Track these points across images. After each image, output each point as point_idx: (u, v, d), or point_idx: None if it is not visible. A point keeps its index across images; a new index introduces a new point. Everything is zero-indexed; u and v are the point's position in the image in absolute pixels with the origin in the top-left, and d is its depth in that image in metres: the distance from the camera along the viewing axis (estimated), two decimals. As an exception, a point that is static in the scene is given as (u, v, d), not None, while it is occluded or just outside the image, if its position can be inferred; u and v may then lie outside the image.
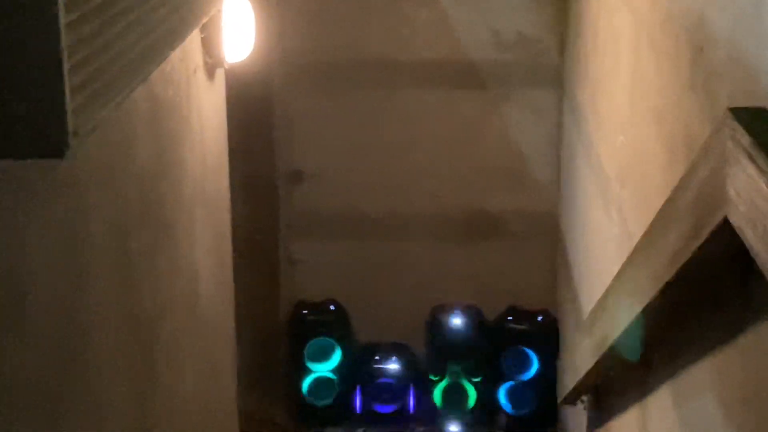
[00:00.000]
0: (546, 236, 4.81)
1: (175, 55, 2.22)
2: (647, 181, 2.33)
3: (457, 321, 4.73)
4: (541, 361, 4.60)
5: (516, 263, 4.88)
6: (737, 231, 1.25)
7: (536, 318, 4.70)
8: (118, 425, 1.85)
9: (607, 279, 2.39)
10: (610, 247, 2.91)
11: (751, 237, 1.18)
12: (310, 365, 4.75)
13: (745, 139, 1.21)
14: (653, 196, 2.17)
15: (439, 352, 4.75)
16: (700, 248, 1.45)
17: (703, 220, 1.41)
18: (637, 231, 2.22)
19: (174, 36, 1.82)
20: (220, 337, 2.93)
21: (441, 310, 4.78)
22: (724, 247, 1.41)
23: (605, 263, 2.95)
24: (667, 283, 1.68)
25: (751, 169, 1.18)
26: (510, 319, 4.72)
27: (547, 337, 4.63)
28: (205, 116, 2.64)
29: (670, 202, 1.65)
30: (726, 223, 1.30)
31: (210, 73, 2.69)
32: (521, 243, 4.87)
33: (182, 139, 2.39)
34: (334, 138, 4.77)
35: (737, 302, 1.53)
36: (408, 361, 4.84)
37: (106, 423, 1.76)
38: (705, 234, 1.40)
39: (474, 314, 4.77)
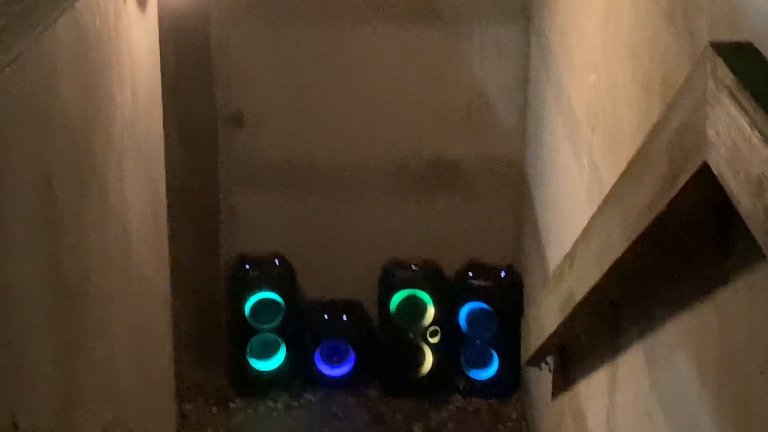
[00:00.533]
0: (510, 186, 4.83)
1: (103, -19, 2.19)
2: (620, 125, 2.34)
3: (413, 277, 4.74)
4: (504, 320, 4.63)
5: (478, 215, 4.90)
6: (717, 177, 1.26)
7: (499, 274, 4.72)
8: (41, 386, 1.84)
9: (576, 231, 2.41)
10: (579, 196, 2.93)
11: (732, 183, 1.19)
12: (253, 325, 4.75)
13: (728, 77, 1.22)
14: (627, 140, 2.18)
15: (393, 310, 4.76)
16: (676, 196, 1.46)
17: (680, 165, 1.42)
18: (609, 179, 2.23)
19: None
20: (155, 294, 2.92)
21: (395, 266, 4.79)
22: (702, 194, 1.42)
23: (574, 214, 2.97)
24: (640, 235, 1.69)
25: (734, 109, 1.19)
26: (470, 275, 4.74)
27: (511, 294, 4.66)
28: (136, 51, 2.61)
29: (644, 146, 1.66)
30: (705, 168, 1.31)
31: (141, 3, 2.65)
32: (483, 194, 4.88)
33: (110, 76, 2.36)
34: (280, 78, 4.73)
35: (715, 256, 1.54)
36: (360, 321, 4.86)
37: (27, 384, 1.75)
38: (682, 181, 1.41)
39: (431, 270, 4.79)
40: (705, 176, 1.32)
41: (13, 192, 1.67)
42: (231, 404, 4.67)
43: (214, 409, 4.62)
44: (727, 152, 1.22)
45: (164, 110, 2.99)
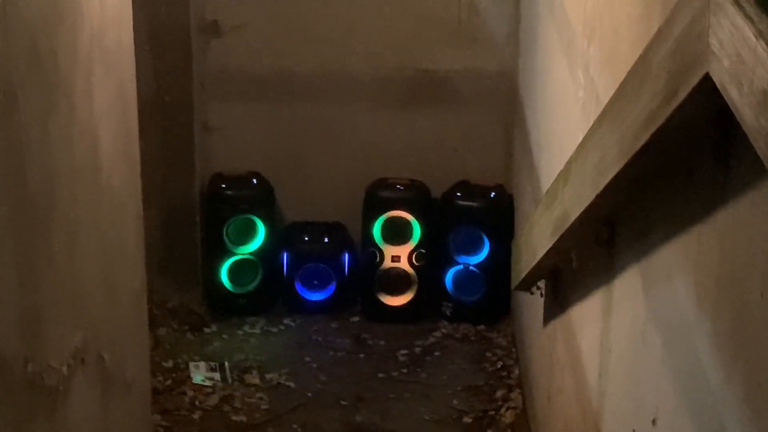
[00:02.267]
0: (501, 101, 4.82)
1: None
2: (618, 36, 2.33)
3: (398, 197, 4.75)
4: (494, 242, 4.66)
5: (467, 132, 4.90)
6: (720, 89, 1.25)
7: (489, 194, 4.74)
8: (5, 308, 1.85)
9: (570, 149, 2.41)
10: (574, 112, 2.92)
11: (735, 96, 1.19)
12: (230, 247, 4.77)
13: (732, -17, 1.21)
14: (625, 53, 2.17)
15: (378, 232, 4.78)
16: (676, 110, 1.46)
17: (681, 77, 1.42)
18: (606, 94, 2.23)
19: None
20: (126, 213, 2.92)
21: (380, 186, 4.80)
22: (704, 108, 1.42)
23: (569, 131, 2.97)
24: (638, 151, 1.70)
25: (738, 18, 1.18)
26: (459, 196, 4.76)
27: (501, 215, 4.68)
28: (104, -46, 2.58)
29: (643, 58, 1.65)
30: (707, 80, 1.31)
31: None
32: (473, 109, 4.88)
33: (77, -19, 2.33)
34: (257, -17, 4.69)
35: (715, 174, 1.55)
36: (343, 243, 4.88)
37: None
38: (683, 94, 1.41)
39: (418, 190, 4.80)
40: (706, 89, 1.32)
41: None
42: (206, 329, 4.71)
43: (189, 335, 4.65)
44: (731, 63, 1.21)
45: (134, 19, 2.96)
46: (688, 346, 1.68)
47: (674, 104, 1.45)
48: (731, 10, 1.21)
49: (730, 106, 1.22)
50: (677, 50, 1.44)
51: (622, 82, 1.81)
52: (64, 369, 2.24)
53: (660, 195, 1.89)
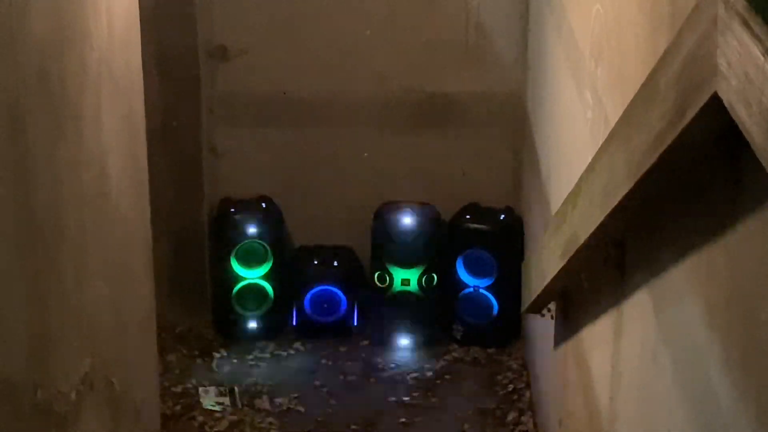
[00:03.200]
0: (510, 123, 4.82)
1: None
2: (626, 57, 2.33)
3: (407, 221, 4.75)
4: (503, 265, 4.65)
5: (475, 154, 4.90)
6: (728, 108, 1.25)
7: (498, 216, 4.74)
8: (13, 334, 1.85)
9: (579, 171, 2.41)
10: (583, 133, 2.93)
11: (743, 115, 1.19)
12: (239, 271, 4.77)
13: (740, 3, 1.21)
14: (633, 74, 2.17)
15: (387, 256, 4.78)
16: (684, 130, 1.46)
17: (689, 97, 1.42)
18: (614, 114, 2.23)
19: None
20: (135, 238, 2.92)
21: (389, 209, 4.80)
22: (712, 128, 1.42)
23: (577, 152, 2.97)
24: (646, 172, 1.70)
25: (746, 37, 1.18)
26: (468, 218, 4.75)
27: (510, 238, 4.68)
28: (112, -21, 2.59)
29: (651, 78, 1.66)
30: (715, 99, 1.31)
31: (117, -72, 2.63)
32: (481, 131, 4.88)
33: (85, 7, 2.34)
34: (264, 7, 4.71)
35: (724, 194, 1.55)
36: (351, 267, 4.87)
37: (0, 336, 1.76)
38: (691, 114, 1.41)
39: (427, 213, 4.80)
40: (715, 108, 1.32)
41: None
42: (216, 354, 4.70)
43: (198, 360, 4.65)
44: (739, 83, 1.21)
45: (143, 44, 2.97)
46: (699, 368, 1.68)
47: (682, 124, 1.45)
48: (739, 29, 1.21)
49: (739, 126, 1.22)
50: (685, 70, 1.44)
51: (630, 103, 1.81)
52: (73, 395, 2.24)
53: (669, 215, 1.89)
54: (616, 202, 1.94)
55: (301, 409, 4.32)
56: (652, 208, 1.94)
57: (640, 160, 1.71)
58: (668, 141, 1.54)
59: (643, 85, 1.71)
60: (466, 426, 4.21)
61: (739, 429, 1.46)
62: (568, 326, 3.15)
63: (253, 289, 4.80)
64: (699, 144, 1.52)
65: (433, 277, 4.78)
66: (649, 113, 1.65)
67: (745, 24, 1.19)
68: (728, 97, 1.26)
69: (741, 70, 1.21)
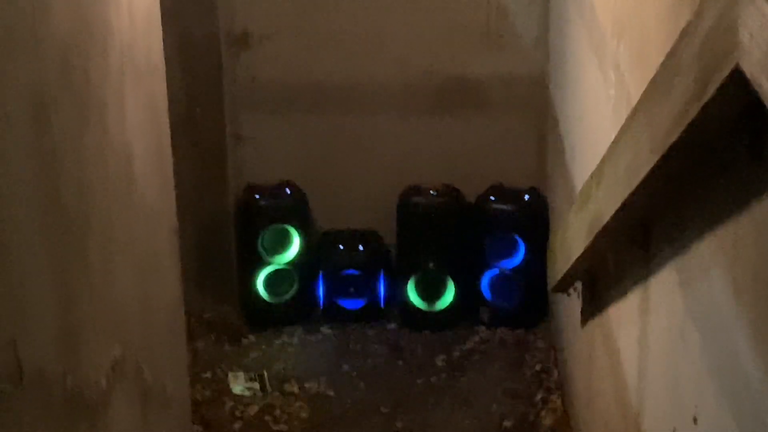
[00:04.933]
0: (533, 104, 4.81)
1: None
2: (648, 34, 2.32)
3: (431, 203, 4.75)
4: (529, 246, 4.65)
5: (499, 136, 4.89)
6: (750, 81, 1.25)
7: (523, 197, 4.73)
8: (43, 324, 1.86)
9: (602, 149, 2.40)
10: (606, 112, 2.92)
11: (766, 87, 1.19)
12: (265, 257, 4.78)
13: (761, -26, 1.20)
14: (655, 50, 2.16)
15: (413, 239, 4.78)
16: (707, 104, 1.45)
17: (711, 71, 1.41)
18: (637, 92, 2.22)
19: None
20: (160, 227, 2.93)
21: (414, 192, 4.79)
22: (735, 101, 1.41)
23: (601, 131, 2.96)
24: (670, 148, 1.69)
25: None
26: (493, 200, 4.75)
27: (536, 218, 4.66)
28: (132, -32, 2.59)
29: (673, 54, 1.65)
30: (737, 72, 1.30)
31: None
32: (504, 113, 4.87)
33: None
34: (285, -6, 4.71)
35: (749, 166, 1.54)
36: (377, 250, 4.88)
37: (29, 322, 1.77)
38: (713, 87, 1.40)
39: (451, 195, 4.79)
40: (737, 82, 1.31)
41: (6, 117, 1.67)
42: (244, 340, 4.72)
43: (227, 346, 4.66)
44: (761, 55, 1.21)
45: (164, 32, 2.97)
46: (726, 342, 1.67)
47: (705, 99, 1.44)
48: (760, 1, 1.21)
49: (762, 98, 1.21)
50: (707, 44, 1.43)
51: (652, 79, 1.80)
52: (103, 382, 2.25)
53: (694, 191, 1.88)
54: (640, 179, 1.93)
55: (331, 392, 4.34)
56: (677, 184, 1.94)
57: (663, 136, 1.70)
58: (691, 116, 1.53)
59: (665, 61, 1.70)
60: (494, 407, 4.22)
61: (767, 402, 1.45)
62: (595, 305, 3.15)
63: (280, 275, 4.81)
64: (722, 118, 1.51)
65: (458, 259, 4.77)
66: (671, 89, 1.64)
67: (767, -5, 1.19)
68: (751, 70, 1.25)
69: (763, 42, 1.20)
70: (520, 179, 4.81)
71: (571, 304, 3.65)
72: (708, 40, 1.43)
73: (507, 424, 4.10)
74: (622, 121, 2.16)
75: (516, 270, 4.73)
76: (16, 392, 1.68)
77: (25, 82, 1.77)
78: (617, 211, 2.22)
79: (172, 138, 3.07)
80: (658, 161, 1.77)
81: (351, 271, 4.84)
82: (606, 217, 2.34)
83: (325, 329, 4.82)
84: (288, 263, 4.80)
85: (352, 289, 4.86)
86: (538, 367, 4.47)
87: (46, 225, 1.88)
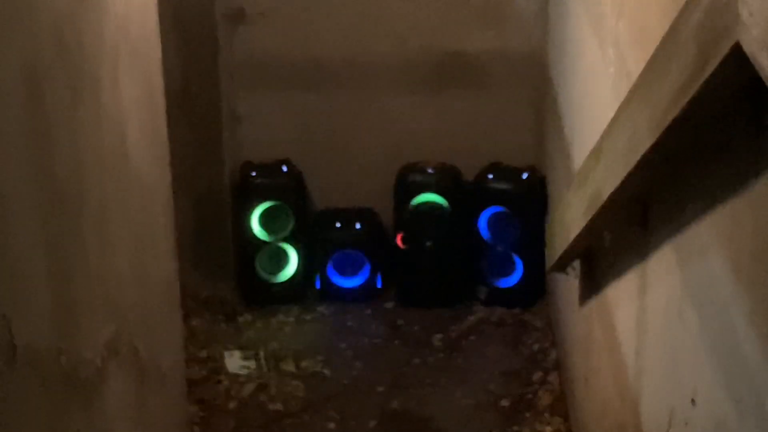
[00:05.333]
0: (531, 81, 4.80)
1: None
2: (647, 11, 2.32)
3: (429, 181, 4.75)
4: (527, 224, 4.65)
5: (497, 114, 4.89)
6: (750, 58, 1.24)
7: (521, 176, 4.72)
8: (36, 300, 1.86)
9: (601, 128, 2.40)
10: (605, 90, 2.91)
11: (766, 65, 1.18)
12: (261, 235, 4.78)
13: (761, -50, 1.20)
14: (655, 28, 2.16)
15: (410, 217, 4.78)
16: (706, 82, 1.45)
17: (710, 48, 1.40)
18: (636, 70, 2.21)
19: None
20: (156, 204, 2.93)
21: (411, 170, 4.79)
22: (734, 79, 1.41)
23: (600, 109, 2.95)
24: (669, 125, 1.69)
25: (768, -15, 1.17)
26: (491, 178, 4.75)
27: (534, 197, 4.67)
28: (127, -57, 2.59)
29: (672, 31, 1.64)
30: (737, 49, 1.29)
31: None
32: (503, 90, 4.86)
33: (101, -30, 2.34)
34: (282, -31, 4.70)
35: (748, 147, 1.54)
36: (374, 228, 4.88)
37: (22, 298, 1.77)
38: (713, 65, 1.40)
39: (449, 173, 4.79)
40: (737, 59, 1.30)
41: (-1, 91, 1.66)
42: (240, 318, 4.72)
43: (223, 324, 4.67)
44: (761, 32, 1.20)
45: (159, 7, 2.97)
46: (724, 322, 1.67)
47: (704, 76, 1.44)
48: (760, -22, 1.20)
49: (761, 76, 1.21)
50: (706, 21, 1.43)
51: (651, 56, 1.80)
52: (98, 360, 2.25)
53: (693, 170, 1.88)
54: (638, 157, 1.93)
55: (327, 372, 4.34)
56: (676, 162, 1.93)
57: (662, 114, 1.70)
58: (690, 94, 1.52)
59: (664, 38, 1.70)
60: (492, 386, 4.23)
61: (765, 382, 1.46)
62: (593, 284, 3.15)
63: (276, 253, 4.82)
64: (722, 96, 1.51)
65: (456, 237, 4.78)
66: (670, 66, 1.63)
67: (767, -28, 1.18)
68: (750, 47, 1.25)
69: (763, 18, 1.20)
70: (519, 157, 4.80)
71: (568, 284, 3.65)
72: (708, 17, 1.42)
73: (504, 403, 4.11)
74: (622, 99, 2.16)
75: (513, 249, 4.73)
76: (9, 370, 1.68)
77: (18, 56, 1.76)
78: (616, 189, 2.22)
79: (167, 115, 3.07)
80: (657, 139, 1.77)
81: (348, 249, 4.84)
82: (605, 195, 2.34)
83: (322, 308, 4.83)
84: (284, 242, 4.80)
85: (348, 268, 4.87)
86: (535, 347, 4.48)
87: (40, 201, 1.88)
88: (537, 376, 4.26)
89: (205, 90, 4.64)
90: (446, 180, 4.77)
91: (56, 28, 1.99)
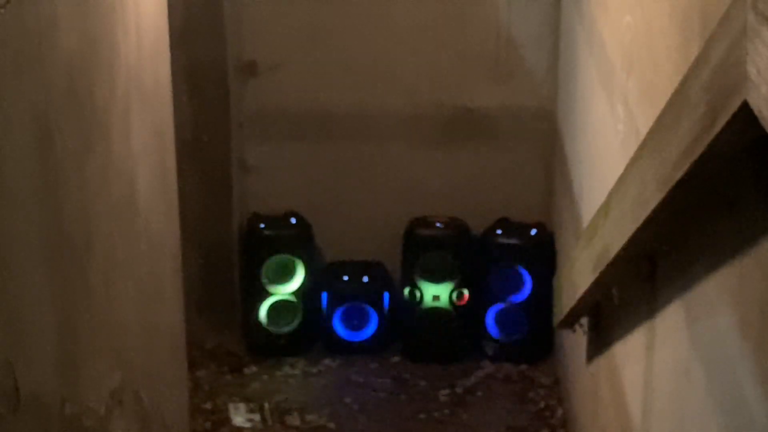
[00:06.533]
0: (541, 137, 4.82)
1: None
2: (657, 69, 2.33)
3: (438, 236, 4.75)
4: (535, 280, 4.64)
5: (506, 169, 4.90)
6: (758, 116, 1.25)
7: (529, 232, 4.72)
8: (42, 348, 1.86)
9: (610, 185, 2.40)
10: (614, 146, 2.92)
11: (774, 123, 1.19)
12: (269, 287, 4.78)
13: (769, 9, 1.21)
14: (664, 85, 2.17)
15: (418, 271, 4.78)
16: (715, 140, 1.45)
17: (718, 106, 1.41)
18: (645, 127, 2.22)
19: None
20: (164, 254, 2.93)
21: (419, 224, 4.80)
22: (743, 137, 1.41)
23: (609, 166, 2.96)
24: (677, 182, 1.69)
25: (775, 44, 1.18)
26: (499, 233, 4.74)
27: (542, 253, 4.66)
28: (141, -6, 2.61)
29: (681, 88, 1.65)
30: (745, 107, 1.30)
31: (145, -57, 2.65)
32: (512, 145, 4.87)
33: (114, 22, 2.36)
34: (294, 22, 4.73)
35: (756, 205, 1.54)
36: (382, 282, 4.87)
37: (28, 345, 1.77)
38: (721, 123, 1.40)
39: (458, 228, 4.79)
40: (745, 117, 1.31)
41: (10, 139, 1.67)
42: (246, 370, 4.71)
43: (228, 376, 4.66)
44: (769, 90, 1.21)
45: (172, 59, 2.99)
46: (732, 382, 1.67)
47: (713, 133, 1.45)
48: (768, 36, 1.21)
49: (769, 134, 1.22)
50: (715, 79, 1.44)
51: (660, 113, 1.81)
52: (102, 410, 2.25)
53: (701, 227, 1.88)
54: (647, 214, 1.93)
55: (332, 425, 4.32)
56: (684, 220, 1.94)
57: (670, 171, 1.71)
58: (699, 151, 1.53)
59: (673, 95, 1.71)
60: (497, 443, 4.20)
61: (772, 442, 1.45)
62: (601, 341, 3.14)
63: (283, 306, 4.81)
64: (730, 153, 1.51)
65: (463, 292, 4.77)
66: (679, 123, 1.64)
67: (775, 31, 1.19)
68: (758, 105, 1.25)
69: (771, 77, 1.20)
70: (528, 213, 4.81)
71: (576, 340, 3.64)
72: (716, 75, 1.43)
73: (510, 460, 4.09)
74: (631, 155, 2.17)
75: (521, 305, 4.72)
76: (13, 417, 1.67)
77: (29, 104, 1.78)
78: (624, 246, 2.22)
79: (177, 164, 3.08)
80: (665, 196, 1.77)
81: (355, 303, 4.83)
82: (613, 252, 2.34)
83: (328, 361, 4.81)
84: (292, 294, 4.79)
85: (355, 322, 4.86)
86: (542, 404, 4.45)
87: (48, 249, 1.89)
88: (543, 433, 4.23)
89: (216, 140, 4.66)
90: (454, 235, 4.77)
91: (68, 76, 2.00)
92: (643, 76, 2.53)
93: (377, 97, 4.81)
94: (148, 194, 2.69)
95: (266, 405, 4.41)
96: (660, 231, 2.06)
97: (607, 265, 2.44)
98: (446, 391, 4.58)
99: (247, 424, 4.29)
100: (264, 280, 4.76)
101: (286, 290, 4.78)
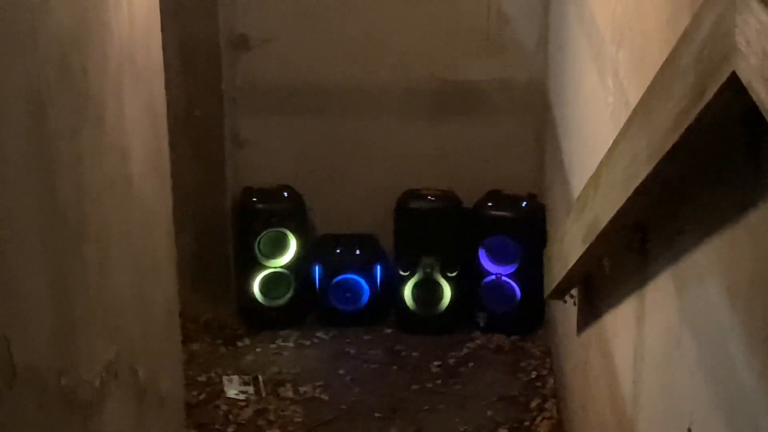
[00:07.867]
0: (531, 110, 4.82)
1: None
2: (647, 41, 2.32)
3: (429, 208, 4.75)
4: (526, 252, 4.65)
5: (497, 142, 4.90)
6: (747, 87, 1.25)
7: (520, 203, 4.73)
8: (37, 321, 1.86)
9: (600, 156, 2.40)
10: (604, 118, 2.92)
11: (762, 93, 1.19)
12: (262, 260, 4.78)
13: (758, -20, 1.21)
14: (653, 57, 2.16)
15: (410, 243, 4.79)
16: (704, 110, 1.45)
17: (707, 77, 1.41)
18: (635, 99, 2.22)
19: None
20: (157, 228, 2.93)
21: (411, 196, 4.80)
22: (732, 107, 1.41)
23: (599, 138, 2.96)
24: (667, 153, 1.69)
25: (764, 15, 1.18)
26: (490, 206, 4.75)
27: (533, 225, 4.67)
28: (132, -31, 2.60)
29: (671, 60, 1.65)
30: (734, 78, 1.30)
31: None
32: (503, 118, 4.87)
33: (105, -4, 2.35)
34: (285, -3, 4.72)
35: (745, 174, 1.54)
36: (374, 255, 4.88)
37: (23, 318, 1.77)
38: (710, 93, 1.40)
39: (449, 200, 4.80)
40: (734, 87, 1.31)
41: (3, 114, 1.67)
42: (239, 343, 4.72)
43: (222, 349, 4.67)
44: (757, 61, 1.21)
45: (164, 34, 2.98)
46: (722, 350, 1.67)
47: (702, 104, 1.45)
48: (757, 7, 1.21)
49: (758, 104, 1.22)
50: (704, 50, 1.44)
51: (650, 85, 1.80)
52: (97, 382, 2.25)
53: (690, 198, 1.88)
54: (637, 185, 1.93)
55: (325, 397, 4.33)
56: (673, 189, 1.94)
57: (660, 142, 1.70)
58: (688, 121, 1.53)
59: (663, 66, 1.70)
60: (489, 413, 4.22)
61: (763, 410, 1.45)
62: (591, 312, 3.15)
63: (277, 278, 4.82)
64: (719, 124, 1.51)
65: (455, 264, 4.78)
66: (669, 94, 1.64)
67: (763, 1, 1.19)
68: (747, 76, 1.25)
69: (759, 48, 1.20)
70: (519, 185, 4.81)
71: (566, 311, 3.65)
72: (705, 46, 1.43)
73: (502, 430, 4.10)
74: (620, 127, 2.16)
75: (513, 276, 4.73)
76: (9, 390, 1.68)
77: (22, 80, 1.77)
78: (614, 217, 2.22)
79: (170, 139, 3.07)
80: (654, 167, 1.77)
81: (347, 276, 4.84)
82: (603, 222, 2.34)
83: (321, 333, 4.82)
84: (285, 267, 4.80)
85: (348, 294, 4.86)
86: (533, 374, 4.47)
87: (42, 224, 1.89)
88: (535, 403, 4.25)
89: (208, 115, 4.65)
90: (446, 207, 4.77)
91: (61, 52, 2.00)
92: (633, 49, 2.53)
93: (369, 70, 4.81)
94: (141, 168, 2.68)
95: (260, 377, 4.42)
96: (650, 201, 2.07)
97: (598, 236, 2.44)
98: (438, 362, 4.59)
99: (241, 396, 4.30)
100: (257, 254, 4.76)
101: (279, 263, 4.79)
